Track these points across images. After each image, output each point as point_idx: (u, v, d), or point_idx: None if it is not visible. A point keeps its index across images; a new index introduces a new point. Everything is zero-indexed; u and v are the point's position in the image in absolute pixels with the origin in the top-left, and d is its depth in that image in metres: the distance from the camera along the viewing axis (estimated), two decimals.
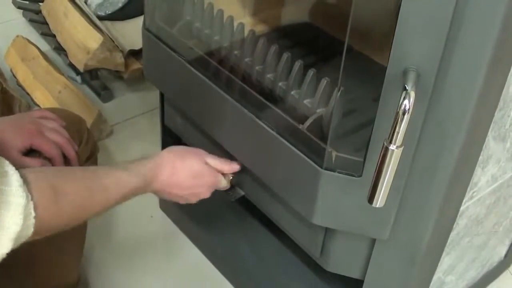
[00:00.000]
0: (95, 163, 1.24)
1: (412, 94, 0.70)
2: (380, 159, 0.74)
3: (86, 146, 1.18)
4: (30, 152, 1.06)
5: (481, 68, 0.73)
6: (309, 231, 0.98)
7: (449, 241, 1.00)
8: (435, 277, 1.06)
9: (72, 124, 1.18)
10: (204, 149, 1.08)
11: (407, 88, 0.70)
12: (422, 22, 0.70)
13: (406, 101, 0.69)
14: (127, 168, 0.95)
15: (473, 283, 1.28)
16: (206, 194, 1.07)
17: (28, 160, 1.04)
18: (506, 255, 1.34)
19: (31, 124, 1.07)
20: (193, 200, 1.07)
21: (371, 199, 0.77)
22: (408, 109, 0.70)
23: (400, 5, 0.69)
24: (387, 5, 0.75)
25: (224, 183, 1.09)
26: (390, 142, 0.72)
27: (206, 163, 1.06)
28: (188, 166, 1.03)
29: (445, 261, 1.07)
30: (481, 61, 0.72)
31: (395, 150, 0.72)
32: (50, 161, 1.08)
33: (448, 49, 0.72)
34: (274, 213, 1.06)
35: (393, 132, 0.71)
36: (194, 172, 1.04)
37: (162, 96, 1.25)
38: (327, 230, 0.97)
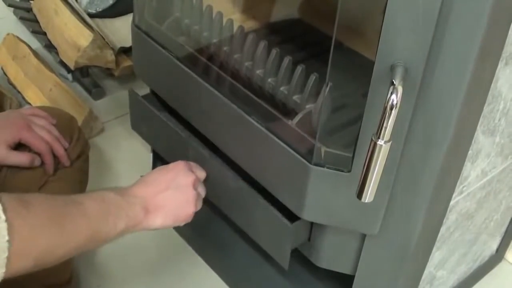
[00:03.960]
0: (86, 161, 1.24)
1: (400, 89, 0.70)
2: (368, 154, 0.74)
3: (76, 144, 1.18)
4: (19, 147, 1.06)
5: (469, 62, 0.73)
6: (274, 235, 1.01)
7: (439, 236, 1.00)
8: (426, 272, 1.07)
9: (62, 122, 1.18)
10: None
11: (394, 83, 0.70)
12: (409, 17, 0.70)
13: (393, 96, 0.69)
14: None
15: (465, 278, 1.29)
16: (189, 179, 0.99)
17: (15, 154, 1.04)
18: (497, 250, 1.35)
19: (20, 119, 1.07)
20: (187, 193, 0.99)
21: (360, 194, 0.77)
22: (396, 103, 0.70)
23: (387, 0, 0.69)
24: (375, 0, 0.75)
25: (202, 174, 1.05)
26: (378, 137, 0.72)
27: None
28: (155, 168, 1.03)
29: (436, 256, 1.07)
30: (469, 56, 0.72)
31: (383, 145, 0.72)
32: (39, 156, 1.08)
33: (435, 44, 0.72)
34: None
35: (381, 127, 0.71)
36: (163, 167, 1.01)
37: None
38: (314, 227, 0.97)
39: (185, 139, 1.08)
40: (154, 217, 0.94)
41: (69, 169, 1.17)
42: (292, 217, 0.96)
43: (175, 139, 1.10)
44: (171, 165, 1.01)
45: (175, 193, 0.97)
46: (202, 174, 1.04)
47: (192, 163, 1.03)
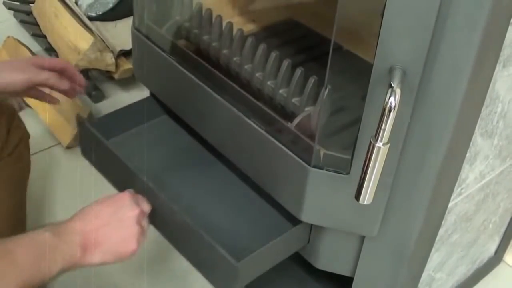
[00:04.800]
0: (26, 148, 1.25)
1: (398, 91, 0.70)
2: (367, 156, 0.74)
3: (15, 132, 1.19)
4: None
5: (467, 65, 0.73)
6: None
7: (438, 237, 1.00)
8: (425, 274, 1.07)
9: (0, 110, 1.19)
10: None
11: (392, 85, 0.70)
12: (407, 20, 0.71)
13: (392, 98, 0.70)
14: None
15: (464, 280, 1.29)
16: (133, 213, 0.93)
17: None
18: (496, 252, 1.35)
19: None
20: (130, 229, 0.92)
21: (358, 196, 0.78)
22: (394, 106, 0.70)
23: (385, 3, 0.70)
24: (373, 3, 0.76)
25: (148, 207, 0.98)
26: (377, 139, 0.73)
27: None
28: (99, 199, 0.96)
29: (435, 258, 1.07)
30: (467, 59, 0.73)
31: (381, 147, 0.73)
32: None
33: (433, 46, 0.73)
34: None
35: (380, 129, 0.72)
36: (107, 198, 0.95)
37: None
38: (313, 229, 0.98)
39: (131, 170, 1.01)
40: (92, 255, 0.88)
41: (8, 158, 1.17)
42: (291, 219, 0.97)
43: (123, 170, 1.04)
44: (116, 196, 0.95)
45: (117, 228, 0.91)
46: (147, 208, 0.97)
47: (138, 195, 0.97)
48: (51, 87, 1.12)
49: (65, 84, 1.12)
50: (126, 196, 0.95)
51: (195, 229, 0.92)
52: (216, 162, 1.12)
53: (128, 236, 0.91)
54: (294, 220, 0.96)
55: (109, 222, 0.91)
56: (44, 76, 1.08)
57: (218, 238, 0.91)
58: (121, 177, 1.06)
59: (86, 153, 1.15)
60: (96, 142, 1.08)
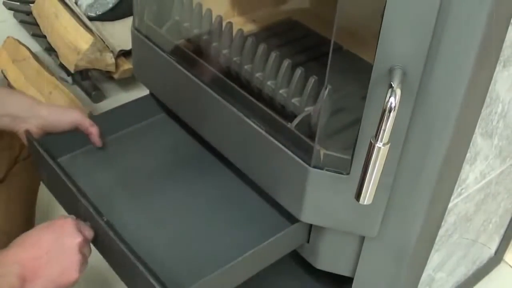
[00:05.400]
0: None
1: (398, 91, 0.70)
2: (367, 156, 0.74)
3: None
4: None
5: (467, 65, 0.73)
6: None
7: (438, 238, 1.01)
8: (425, 274, 1.07)
9: None
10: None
11: (393, 85, 0.70)
12: (407, 20, 0.71)
13: (392, 99, 0.70)
14: None
15: (464, 280, 1.29)
16: (75, 241, 0.89)
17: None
18: (496, 252, 1.35)
19: None
20: (71, 258, 0.89)
21: (358, 196, 0.78)
22: (394, 106, 0.70)
23: (385, 3, 0.70)
24: (374, 3, 0.76)
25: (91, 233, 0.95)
26: (377, 140, 0.72)
27: None
28: (40, 225, 0.93)
29: (435, 258, 1.07)
30: (467, 59, 0.73)
31: (381, 147, 0.73)
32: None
33: (433, 47, 0.73)
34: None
35: (380, 130, 0.72)
36: (48, 224, 0.92)
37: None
38: (313, 229, 0.98)
39: (75, 192, 0.97)
40: (32, 286, 0.85)
41: (24, 162, 1.21)
42: (291, 219, 0.97)
43: (67, 192, 0.99)
44: (57, 222, 0.91)
45: (58, 257, 0.88)
46: (90, 234, 0.94)
47: (80, 222, 0.94)
48: (87, 132, 1.11)
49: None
50: (67, 223, 0.91)
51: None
52: (214, 162, 1.12)
53: (69, 265, 0.88)
54: (292, 219, 0.96)
55: (49, 251, 0.88)
56: (89, 121, 1.10)
57: (158, 267, 0.87)
58: (67, 199, 1.03)
59: (38, 171, 1.12)
60: (44, 160, 1.04)
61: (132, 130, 1.19)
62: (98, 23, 1.88)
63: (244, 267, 0.93)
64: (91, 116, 1.15)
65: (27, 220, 1.28)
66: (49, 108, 1.08)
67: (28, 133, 1.06)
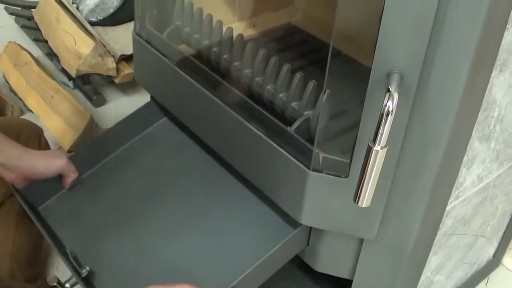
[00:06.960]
0: None
1: (396, 95, 0.71)
2: (365, 159, 0.75)
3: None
4: None
5: (464, 70, 0.74)
6: None
7: (436, 240, 1.01)
8: (423, 277, 1.07)
9: (31, 130, 1.21)
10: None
11: (390, 90, 0.71)
12: (405, 25, 0.71)
13: (389, 103, 0.71)
14: None
15: (462, 283, 1.30)
16: None
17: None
18: (494, 255, 1.36)
19: None
20: None
21: (356, 199, 0.79)
22: (392, 110, 0.71)
23: (383, 9, 0.71)
24: (371, 9, 0.77)
25: None
26: (375, 143, 0.73)
27: None
28: None
29: (433, 260, 1.08)
30: (464, 63, 0.74)
31: (379, 151, 0.74)
32: None
33: (430, 51, 0.73)
34: None
35: (377, 133, 0.73)
36: None
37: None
38: (313, 232, 0.98)
39: (52, 243, 1.03)
40: None
41: None
42: (292, 223, 0.97)
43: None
44: None
45: None
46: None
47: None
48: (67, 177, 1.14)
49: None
50: None
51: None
52: (213, 164, 1.13)
53: None
54: (293, 224, 0.97)
55: None
56: (72, 168, 1.13)
57: None
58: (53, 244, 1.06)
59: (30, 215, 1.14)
60: (28, 208, 1.10)
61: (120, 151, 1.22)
62: (99, 28, 1.89)
63: (251, 281, 0.95)
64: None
65: (33, 242, 1.31)
66: (37, 157, 1.11)
67: (12, 185, 1.11)
